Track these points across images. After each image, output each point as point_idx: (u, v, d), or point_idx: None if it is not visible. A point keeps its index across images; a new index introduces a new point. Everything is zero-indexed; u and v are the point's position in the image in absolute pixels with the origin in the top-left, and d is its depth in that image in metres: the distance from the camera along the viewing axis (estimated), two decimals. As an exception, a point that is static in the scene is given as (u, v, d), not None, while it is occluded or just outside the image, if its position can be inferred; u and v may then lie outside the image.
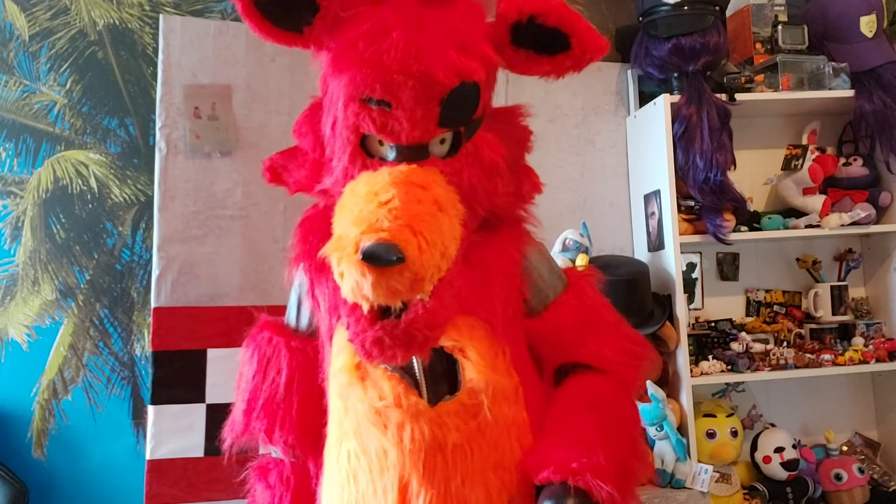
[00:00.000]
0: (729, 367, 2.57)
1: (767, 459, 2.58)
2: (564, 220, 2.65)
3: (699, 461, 2.39)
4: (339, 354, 1.24)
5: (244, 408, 1.37)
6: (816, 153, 2.79)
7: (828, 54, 2.74)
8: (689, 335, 2.55)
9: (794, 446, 2.60)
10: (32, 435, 2.55)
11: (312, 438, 1.34)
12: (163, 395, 2.29)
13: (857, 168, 2.82)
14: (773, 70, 2.66)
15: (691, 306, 2.77)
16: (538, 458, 1.21)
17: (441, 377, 1.22)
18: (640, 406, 2.33)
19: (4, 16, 2.62)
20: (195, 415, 2.30)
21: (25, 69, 2.63)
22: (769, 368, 2.55)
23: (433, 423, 1.17)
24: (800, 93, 2.66)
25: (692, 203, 2.60)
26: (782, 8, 2.78)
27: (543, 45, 1.23)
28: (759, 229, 2.66)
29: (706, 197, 2.55)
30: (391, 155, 1.21)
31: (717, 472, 2.44)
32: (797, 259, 2.89)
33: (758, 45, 2.74)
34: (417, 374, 1.21)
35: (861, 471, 2.63)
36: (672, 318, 2.51)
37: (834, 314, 2.77)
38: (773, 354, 2.59)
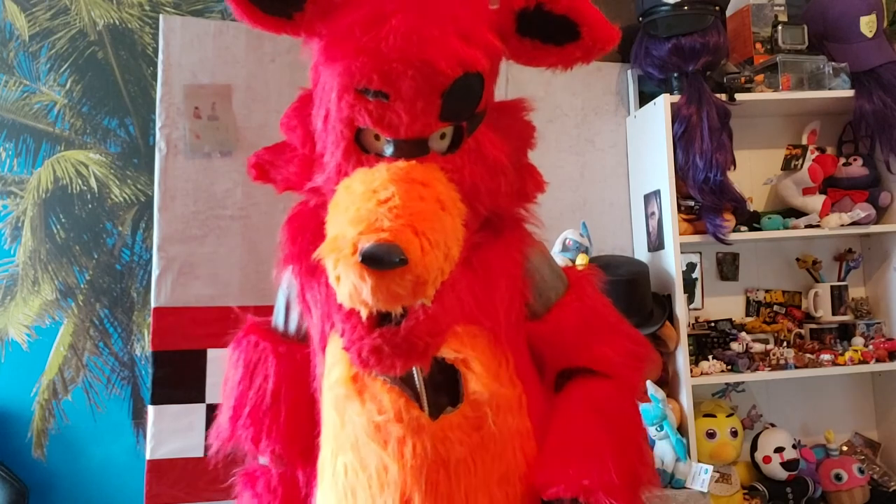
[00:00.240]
0: (729, 367, 2.57)
1: (767, 459, 2.58)
2: (564, 220, 2.65)
3: (699, 461, 2.39)
4: (335, 366, 1.17)
5: (230, 415, 1.30)
6: (816, 153, 2.79)
7: (828, 54, 2.74)
8: (689, 335, 2.55)
9: (794, 446, 2.60)
10: (32, 435, 2.55)
11: (301, 448, 1.28)
12: (163, 395, 2.29)
13: (856, 168, 2.82)
14: (773, 70, 2.66)
15: (691, 306, 2.77)
16: (547, 472, 1.16)
17: (442, 388, 1.15)
18: (641, 406, 2.33)
19: (4, 16, 2.62)
20: (195, 415, 2.30)
21: (25, 69, 2.63)
22: (769, 368, 2.55)
23: (435, 437, 1.11)
24: (800, 93, 2.66)
25: (692, 203, 2.60)
26: (782, 8, 2.78)
27: (550, 35, 1.15)
28: (759, 229, 2.66)
29: (706, 197, 2.54)
30: (388, 150, 1.12)
31: (717, 472, 2.44)
32: (797, 259, 2.89)
33: (758, 45, 2.74)
34: (418, 386, 1.14)
35: (861, 471, 2.63)
36: (672, 318, 2.51)
37: (834, 314, 2.77)
38: (773, 354, 2.59)
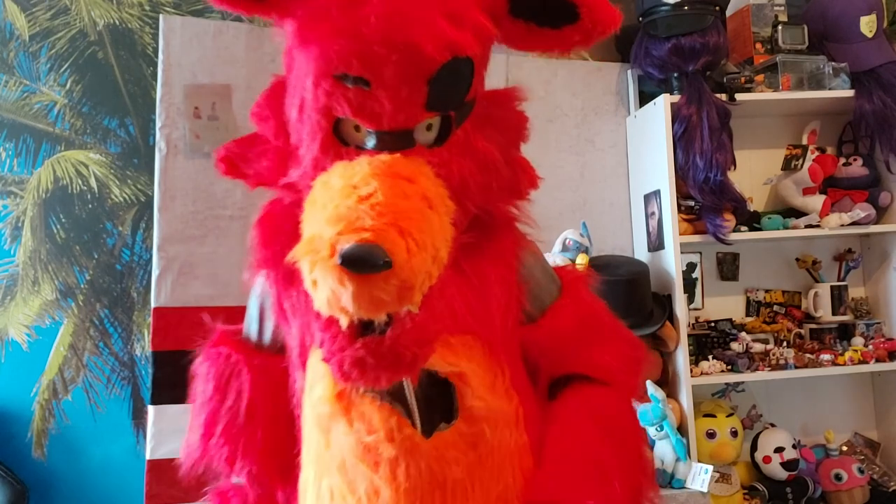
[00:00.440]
0: (729, 367, 2.57)
1: (767, 459, 2.58)
2: (564, 220, 2.65)
3: (699, 461, 2.39)
4: (318, 382, 1.07)
5: (201, 433, 1.19)
6: (816, 153, 2.79)
7: (828, 54, 2.74)
8: (689, 335, 2.55)
9: (794, 446, 2.60)
10: (32, 435, 2.55)
11: (279, 467, 1.19)
12: (163, 395, 2.29)
13: (856, 168, 2.82)
14: (773, 70, 2.66)
15: (691, 306, 2.77)
16: (549, 491, 1.09)
17: (434, 402, 1.06)
18: (640, 406, 2.33)
19: (4, 16, 2.62)
20: (195, 415, 2.30)
21: (25, 69, 2.63)
22: (769, 368, 2.55)
23: (430, 457, 1.03)
24: (800, 93, 2.66)
25: (692, 203, 2.60)
26: (782, 8, 2.78)
27: (546, 16, 1.05)
28: (759, 229, 2.66)
29: (706, 197, 2.55)
30: (370, 142, 1.02)
31: (717, 472, 2.44)
32: (797, 259, 2.89)
33: (758, 45, 2.74)
34: (409, 401, 1.05)
35: (861, 471, 2.63)
36: (672, 318, 2.51)
37: (834, 314, 2.77)
38: (773, 354, 2.59)
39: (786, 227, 2.66)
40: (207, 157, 2.41)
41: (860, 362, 2.60)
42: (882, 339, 2.71)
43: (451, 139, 1.05)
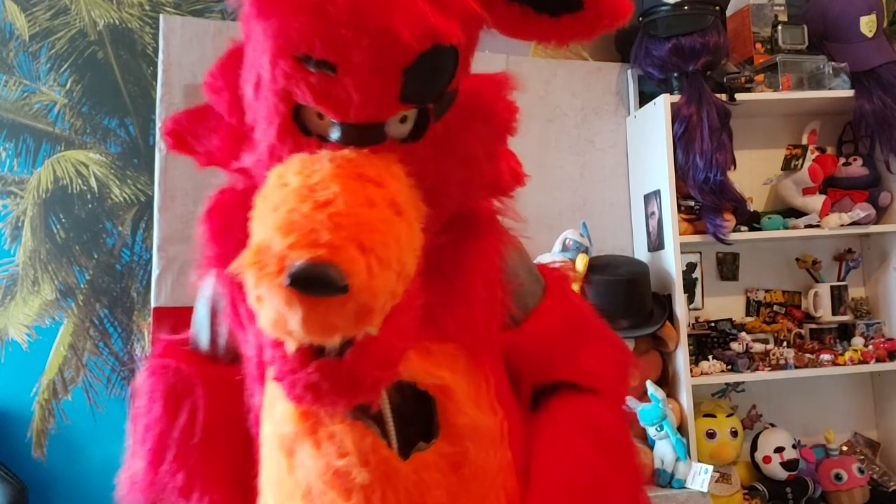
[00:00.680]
0: (729, 367, 2.57)
1: (767, 459, 2.58)
2: (564, 220, 2.65)
3: (699, 461, 2.39)
4: (279, 397, 0.92)
5: (148, 460, 1.03)
6: (816, 153, 2.79)
7: (828, 54, 2.74)
8: (689, 335, 2.55)
9: (794, 446, 2.60)
10: (32, 435, 2.55)
11: (243, 496, 1.04)
12: (163, 395, 2.29)
13: (856, 168, 2.82)
14: (773, 70, 2.66)
15: (691, 306, 2.77)
16: None
17: (413, 418, 0.96)
18: (641, 406, 2.33)
19: (4, 16, 2.62)
20: (195, 415, 2.30)
21: (25, 69, 2.63)
22: (769, 368, 2.55)
23: (409, 481, 0.92)
24: (800, 93, 2.66)
25: (692, 203, 2.60)
26: (782, 8, 2.78)
27: (546, 2, 0.92)
28: (759, 229, 2.66)
29: (706, 197, 2.55)
30: (334, 134, 0.88)
31: (717, 472, 2.44)
32: (797, 259, 2.89)
33: (758, 45, 2.74)
34: (385, 418, 0.94)
35: (861, 471, 2.63)
36: (672, 318, 2.51)
37: (834, 314, 2.77)
38: (773, 354, 2.59)
39: (786, 227, 2.66)
40: (207, 157, 2.41)
41: (860, 362, 2.60)
42: (882, 339, 2.71)
43: (429, 133, 0.91)
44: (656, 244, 2.62)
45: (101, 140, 2.64)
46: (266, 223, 0.80)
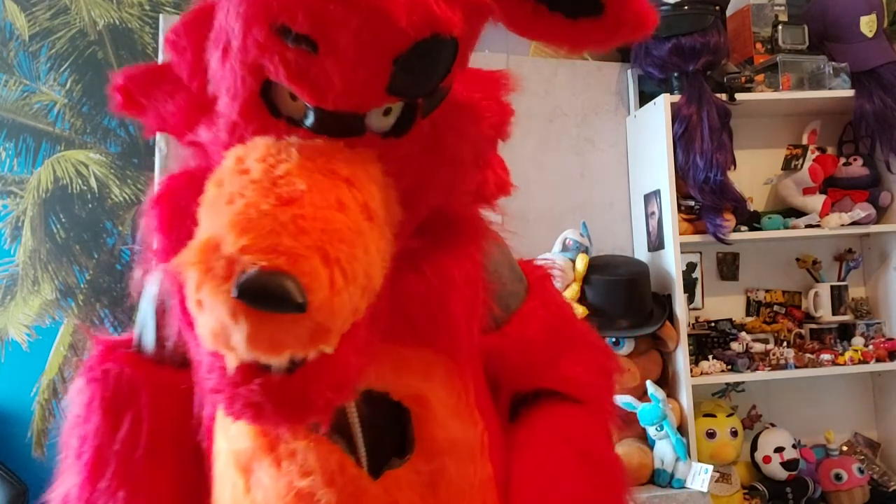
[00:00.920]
0: (729, 367, 2.57)
1: (767, 459, 2.58)
2: (564, 220, 2.65)
3: (699, 461, 2.39)
4: None
5: (84, 475, 0.90)
6: (816, 153, 2.79)
7: (828, 54, 2.74)
8: (689, 335, 2.55)
9: (794, 446, 2.60)
10: (32, 435, 2.55)
11: None
12: (163, 394, 2.29)
13: (857, 168, 2.82)
14: (774, 70, 2.66)
15: (691, 306, 2.77)
16: None
17: (384, 431, 0.87)
18: (641, 406, 2.33)
19: (4, 15, 2.62)
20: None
21: (25, 69, 2.63)
22: (769, 368, 2.55)
23: (380, 502, 0.83)
24: (800, 93, 2.66)
25: (692, 203, 2.60)
26: (782, 8, 2.78)
27: (559, 2, 0.81)
28: (759, 229, 2.66)
29: (706, 197, 2.55)
30: (308, 120, 0.77)
31: (717, 472, 2.44)
32: (797, 259, 2.89)
33: (758, 45, 2.74)
34: (354, 433, 0.85)
35: (861, 471, 2.63)
36: (672, 317, 2.51)
37: (834, 314, 2.77)
38: (773, 354, 2.59)
39: (786, 227, 2.66)
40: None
41: (860, 362, 2.60)
42: (882, 339, 2.71)
43: (414, 130, 0.81)
44: (656, 244, 2.62)
45: (101, 140, 2.64)
46: (218, 216, 0.69)
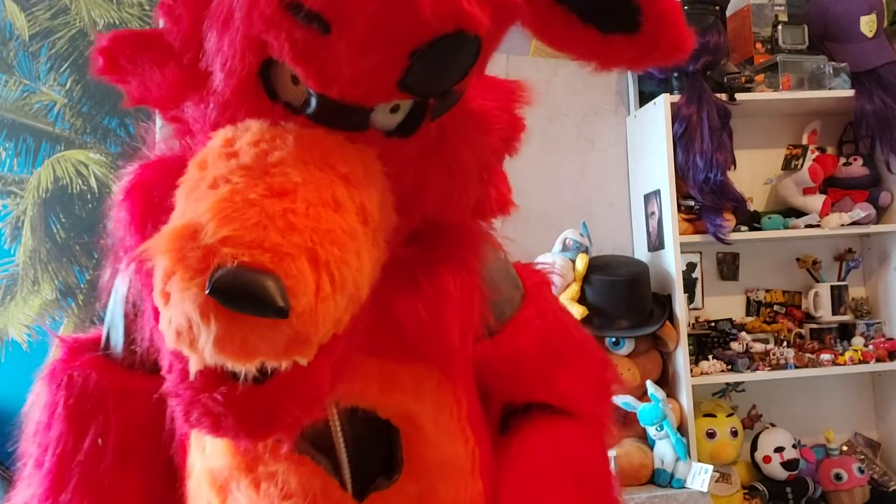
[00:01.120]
0: (729, 367, 2.57)
1: (767, 459, 2.58)
2: (564, 220, 2.65)
3: (699, 461, 2.39)
4: None
5: (45, 486, 0.85)
6: (816, 153, 2.79)
7: (828, 54, 2.74)
8: (689, 335, 2.55)
9: (794, 446, 2.60)
10: (32, 435, 2.55)
11: None
12: (163, 394, 2.29)
13: (857, 168, 2.82)
14: (774, 70, 2.66)
15: (691, 306, 2.77)
16: None
17: (371, 450, 0.82)
18: (641, 406, 2.33)
19: (4, 15, 2.62)
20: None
21: (25, 69, 2.63)
22: (769, 368, 2.55)
23: None
24: (800, 93, 2.66)
25: (692, 203, 2.60)
26: (782, 8, 2.78)
27: (596, 14, 0.75)
28: (759, 229, 2.66)
29: (706, 197, 2.55)
30: (309, 107, 0.71)
31: (717, 471, 2.44)
32: (797, 259, 2.89)
33: (758, 45, 2.74)
34: (338, 453, 0.80)
35: (861, 471, 2.63)
36: (672, 318, 2.51)
37: (834, 314, 2.77)
38: (773, 354, 2.59)
39: (786, 227, 2.66)
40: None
41: (860, 362, 2.60)
42: (882, 339, 2.71)
43: (420, 132, 0.75)
44: (656, 244, 2.62)
45: (101, 140, 2.64)
46: (198, 201, 0.63)
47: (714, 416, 2.54)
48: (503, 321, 0.93)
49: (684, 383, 2.46)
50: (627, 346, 2.45)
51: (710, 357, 2.60)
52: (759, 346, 2.62)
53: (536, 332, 0.93)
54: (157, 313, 0.76)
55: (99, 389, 0.87)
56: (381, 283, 0.71)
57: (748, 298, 2.88)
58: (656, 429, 2.34)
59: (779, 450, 2.57)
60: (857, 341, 2.72)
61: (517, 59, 2.59)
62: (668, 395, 2.45)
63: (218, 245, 0.58)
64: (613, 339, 2.43)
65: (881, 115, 2.68)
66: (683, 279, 2.57)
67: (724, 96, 2.61)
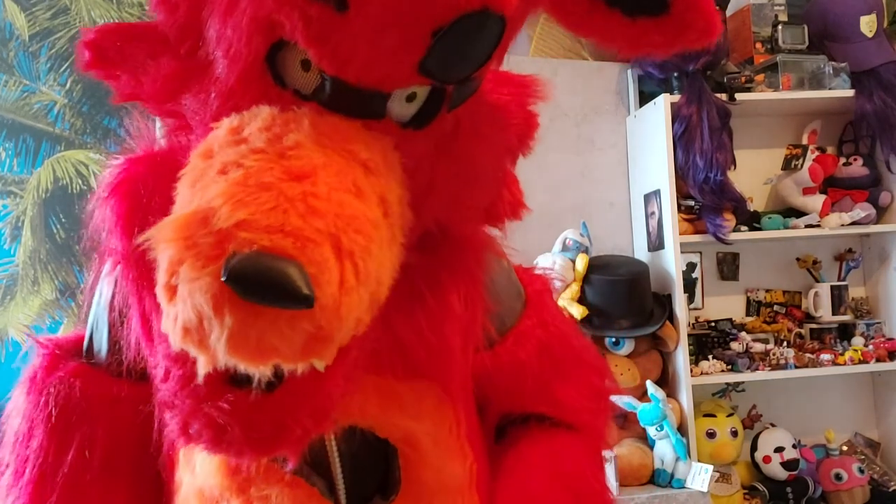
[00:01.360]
0: (729, 367, 2.57)
1: (767, 459, 2.58)
2: (564, 220, 2.65)
3: (699, 461, 2.39)
4: None
5: (25, 501, 0.81)
6: (816, 153, 2.79)
7: (828, 54, 2.75)
8: (689, 335, 2.55)
9: (794, 446, 2.60)
10: (32, 435, 2.55)
11: None
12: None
13: (857, 168, 2.82)
14: (774, 70, 2.66)
15: (691, 306, 2.77)
16: None
17: (368, 470, 0.78)
18: (641, 406, 2.33)
19: (4, 15, 2.62)
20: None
21: (25, 69, 2.63)
22: (769, 368, 2.55)
23: None
24: (800, 92, 2.66)
25: (692, 203, 2.60)
26: (782, 7, 2.78)
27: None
28: (759, 229, 2.66)
29: (706, 197, 2.55)
30: (323, 92, 0.65)
31: (717, 472, 2.44)
32: (797, 259, 2.88)
33: (758, 45, 2.74)
34: (334, 473, 0.77)
35: (861, 471, 2.63)
36: (672, 317, 2.51)
37: (834, 314, 2.77)
38: (773, 354, 2.59)
39: (786, 227, 2.66)
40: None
41: (860, 362, 2.60)
42: (882, 339, 2.71)
43: (435, 124, 0.70)
44: (656, 244, 2.62)
45: (101, 140, 2.64)
46: (207, 187, 0.57)
47: (714, 416, 2.54)
48: (504, 331, 0.90)
49: (684, 383, 2.46)
50: (627, 346, 2.45)
51: (710, 357, 2.60)
52: (759, 346, 2.62)
53: (537, 343, 0.91)
54: (144, 321, 0.73)
55: (85, 399, 0.82)
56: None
57: (748, 298, 2.88)
58: (656, 429, 2.34)
59: (779, 450, 2.57)
60: (857, 341, 2.72)
61: (517, 58, 2.58)
62: (668, 395, 2.45)
63: (234, 229, 0.53)
64: (613, 339, 2.43)
65: (881, 114, 2.69)
66: (683, 279, 2.57)
67: (724, 96, 2.61)
